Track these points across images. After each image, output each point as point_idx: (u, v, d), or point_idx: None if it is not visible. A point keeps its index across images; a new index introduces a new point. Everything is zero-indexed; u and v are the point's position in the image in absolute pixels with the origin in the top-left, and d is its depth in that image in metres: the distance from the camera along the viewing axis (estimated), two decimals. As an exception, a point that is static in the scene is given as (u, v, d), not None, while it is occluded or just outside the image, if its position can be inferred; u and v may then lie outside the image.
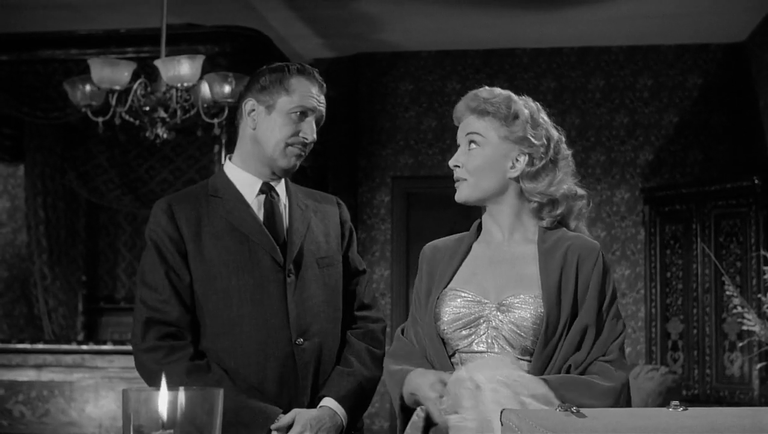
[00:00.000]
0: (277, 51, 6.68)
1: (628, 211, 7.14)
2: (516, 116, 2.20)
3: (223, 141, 6.30)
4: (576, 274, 2.17)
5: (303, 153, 2.51)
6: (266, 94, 2.48)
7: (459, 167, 2.24)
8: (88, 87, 5.11)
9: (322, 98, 2.52)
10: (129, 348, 5.78)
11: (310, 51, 7.27)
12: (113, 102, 5.12)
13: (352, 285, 2.62)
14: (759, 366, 4.70)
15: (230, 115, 5.34)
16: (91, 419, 5.71)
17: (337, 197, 2.71)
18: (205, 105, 5.16)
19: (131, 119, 5.23)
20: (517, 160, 2.20)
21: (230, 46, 6.20)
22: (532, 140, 2.20)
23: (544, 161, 2.20)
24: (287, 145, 2.47)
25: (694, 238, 6.42)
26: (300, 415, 2.38)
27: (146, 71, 5.43)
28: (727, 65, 7.07)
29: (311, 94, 2.48)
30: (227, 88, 5.05)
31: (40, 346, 5.95)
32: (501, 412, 1.89)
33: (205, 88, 5.11)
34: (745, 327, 4.24)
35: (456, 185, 2.25)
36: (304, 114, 2.47)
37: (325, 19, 6.63)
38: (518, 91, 2.27)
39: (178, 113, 5.12)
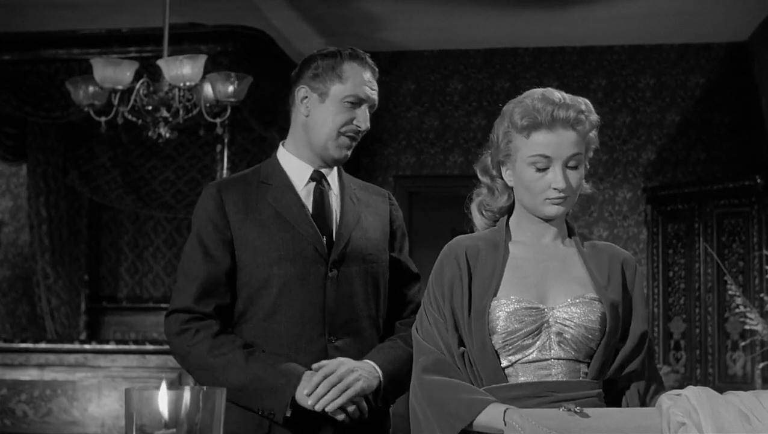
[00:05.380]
0: (279, 50, 6.68)
1: (630, 210, 7.14)
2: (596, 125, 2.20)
3: (226, 140, 6.30)
4: (623, 279, 2.15)
5: (355, 142, 2.48)
6: (319, 82, 2.44)
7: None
8: (90, 87, 5.12)
9: (375, 84, 2.48)
10: (131, 347, 5.82)
11: (312, 50, 7.07)
12: (116, 102, 5.13)
13: (407, 289, 2.55)
14: (761, 365, 4.69)
15: (233, 114, 5.35)
16: (93, 418, 5.72)
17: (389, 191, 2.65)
18: (208, 104, 5.16)
19: (134, 119, 5.23)
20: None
21: (232, 45, 6.19)
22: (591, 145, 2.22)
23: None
24: (340, 134, 2.44)
25: (696, 237, 6.41)
26: (344, 362, 2.29)
27: (149, 71, 5.43)
28: (729, 64, 7.06)
29: (364, 81, 2.44)
30: (230, 88, 5.05)
31: (43, 345, 5.95)
32: (504, 412, 1.89)
33: (207, 88, 5.11)
34: (747, 327, 4.23)
35: (556, 201, 2.12)
36: (357, 103, 2.44)
37: (327, 18, 6.63)
38: (520, 91, 2.21)
39: (181, 112, 5.12)
